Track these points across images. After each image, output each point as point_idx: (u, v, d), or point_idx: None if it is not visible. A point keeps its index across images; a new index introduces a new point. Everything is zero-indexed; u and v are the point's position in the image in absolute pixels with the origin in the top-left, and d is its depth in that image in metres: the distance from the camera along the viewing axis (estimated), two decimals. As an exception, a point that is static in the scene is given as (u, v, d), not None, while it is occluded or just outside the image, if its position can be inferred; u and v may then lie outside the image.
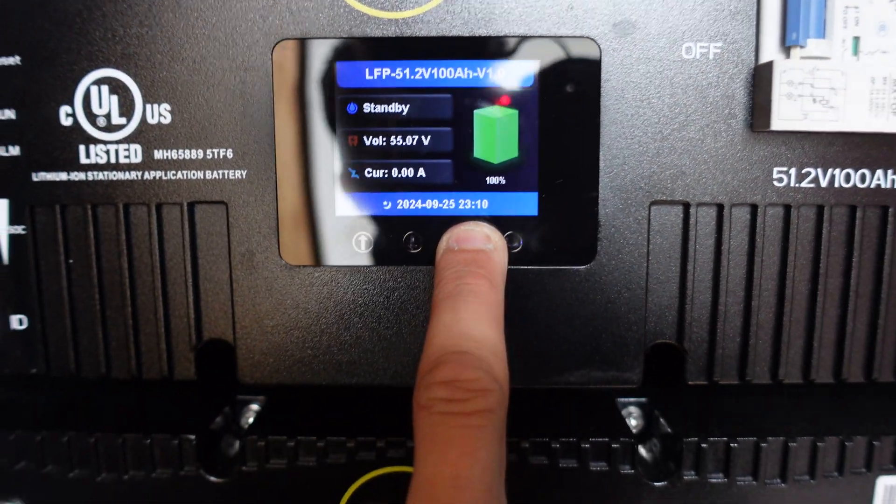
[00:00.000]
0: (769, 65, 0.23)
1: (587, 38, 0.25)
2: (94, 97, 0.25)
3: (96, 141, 0.26)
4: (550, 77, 0.25)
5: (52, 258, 0.26)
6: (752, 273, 0.26)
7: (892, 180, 0.25)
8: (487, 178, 0.25)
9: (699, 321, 0.26)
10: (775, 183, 0.25)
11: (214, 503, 0.27)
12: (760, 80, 0.24)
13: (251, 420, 0.30)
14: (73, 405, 0.29)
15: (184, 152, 0.25)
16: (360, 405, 0.29)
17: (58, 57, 0.25)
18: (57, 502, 0.27)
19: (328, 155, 0.25)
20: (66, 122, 0.25)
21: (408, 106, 0.25)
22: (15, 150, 0.26)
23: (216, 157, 0.25)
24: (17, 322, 0.27)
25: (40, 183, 0.26)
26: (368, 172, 0.25)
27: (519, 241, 0.26)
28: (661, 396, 0.30)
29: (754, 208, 0.25)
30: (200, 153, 0.25)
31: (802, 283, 0.26)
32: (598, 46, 0.25)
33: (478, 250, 0.24)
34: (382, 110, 0.25)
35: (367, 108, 0.25)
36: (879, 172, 0.25)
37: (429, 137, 0.25)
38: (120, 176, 0.26)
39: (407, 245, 0.26)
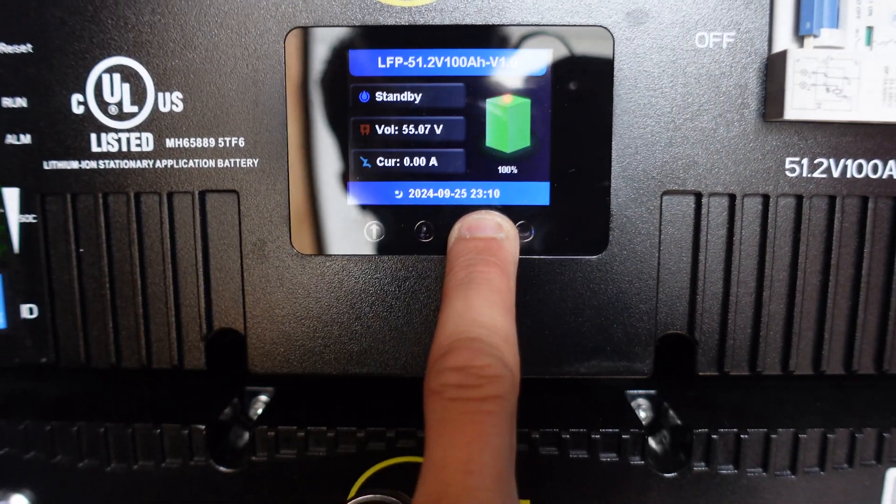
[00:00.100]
0: (783, 54, 0.23)
1: (600, 27, 0.25)
2: (105, 85, 0.25)
3: (108, 129, 0.26)
4: (563, 66, 0.25)
5: (63, 247, 0.26)
6: (763, 263, 0.26)
7: (905, 171, 0.25)
8: (499, 168, 0.25)
9: (710, 312, 0.26)
10: (787, 173, 0.25)
11: (224, 493, 0.27)
12: (774, 69, 0.24)
13: (260, 410, 0.30)
14: (83, 395, 0.29)
15: (195, 141, 0.25)
16: (370, 395, 0.29)
17: (70, 45, 0.25)
18: (66, 492, 0.27)
19: (340, 144, 0.25)
20: (77, 110, 0.25)
21: (420, 95, 0.25)
22: (26, 139, 0.26)
23: (228, 145, 0.25)
24: (28, 311, 0.27)
25: (51, 171, 0.26)
26: (380, 161, 0.25)
27: (531, 230, 0.26)
28: (671, 387, 0.30)
29: (766, 198, 0.25)
30: (212, 141, 0.25)
31: (814, 274, 0.26)
32: (611, 35, 0.25)
33: (489, 238, 0.24)
34: (395, 99, 0.25)
35: (380, 96, 0.25)
36: (892, 163, 0.25)
37: (441, 126, 0.25)
38: (131, 164, 0.26)
39: (418, 234, 0.26)
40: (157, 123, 0.25)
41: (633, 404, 0.30)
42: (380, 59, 0.25)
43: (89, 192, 0.26)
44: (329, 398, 0.29)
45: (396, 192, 0.25)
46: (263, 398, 0.30)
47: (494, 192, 0.25)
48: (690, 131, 0.25)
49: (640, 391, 0.30)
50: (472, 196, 0.25)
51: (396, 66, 0.25)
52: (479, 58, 0.25)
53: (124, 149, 0.26)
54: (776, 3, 0.24)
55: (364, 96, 0.25)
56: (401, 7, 0.25)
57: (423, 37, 0.25)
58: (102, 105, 0.25)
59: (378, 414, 0.27)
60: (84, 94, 0.25)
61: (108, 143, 0.26)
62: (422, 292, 0.26)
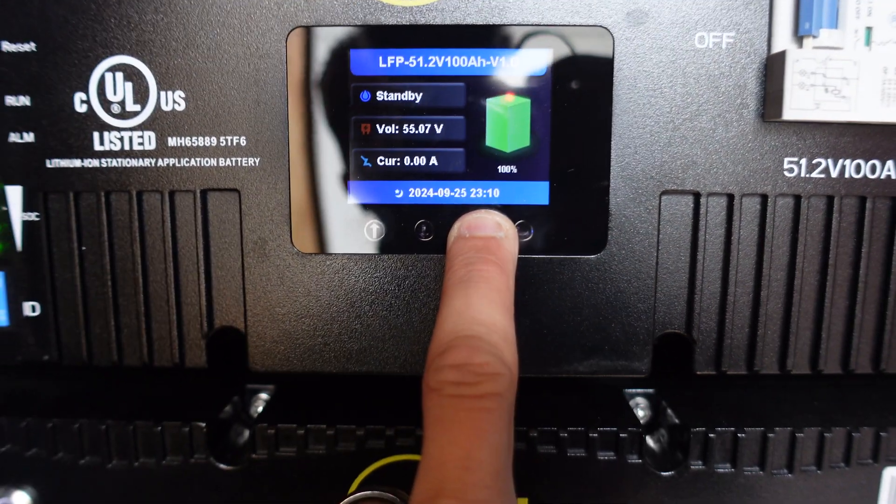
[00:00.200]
0: (782, 54, 0.24)
1: (600, 27, 0.25)
2: (108, 84, 0.25)
3: (110, 128, 0.26)
4: (563, 66, 0.25)
5: (66, 245, 0.26)
6: (761, 263, 0.26)
7: (903, 171, 0.25)
8: (499, 167, 0.25)
9: (708, 311, 0.26)
10: (786, 173, 0.25)
11: (224, 491, 0.27)
12: (773, 69, 0.24)
13: (261, 408, 0.30)
14: (85, 392, 0.29)
15: (197, 139, 0.26)
16: (369, 393, 0.29)
17: (73, 44, 0.25)
18: (68, 489, 0.27)
19: (341, 143, 0.25)
20: (80, 108, 0.26)
21: (421, 94, 0.25)
22: (29, 137, 0.26)
23: (229, 144, 0.25)
24: (30, 309, 0.27)
25: (54, 170, 0.26)
26: (381, 160, 0.25)
27: (530, 229, 0.26)
28: (669, 386, 0.30)
29: (764, 198, 0.26)
30: (214, 140, 0.25)
31: (811, 274, 0.26)
32: (611, 35, 0.25)
33: (489, 237, 0.24)
34: (395, 98, 0.25)
35: (381, 96, 0.25)
36: (890, 163, 0.25)
37: (441, 126, 0.25)
38: (133, 163, 0.26)
39: (418, 233, 0.26)
40: (160, 122, 0.26)
41: (632, 403, 0.30)
42: (381, 58, 0.25)
43: (92, 190, 0.26)
44: (329, 396, 0.29)
45: (397, 192, 0.26)
46: (264, 396, 0.30)
47: (494, 192, 0.25)
48: (689, 131, 0.25)
49: (639, 390, 0.30)
50: (472, 195, 0.25)
51: (397, 65, 0.25)
52: (479, 57, 0.25)
53: (126, 147, 0.26)
54: (775, 4, 0.24)
55: (365, 95, 0.25)
56: (402, 7, 0.25)
57: (423, 36, 0.25)
58: (105, 104, 0.26)
59: (377, 412, 0.27)
60: (87, 92, 0.26)
61: (111, 142, 0.26)
62: (421, 291, 0.26)
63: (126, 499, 0.27)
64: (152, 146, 0.26)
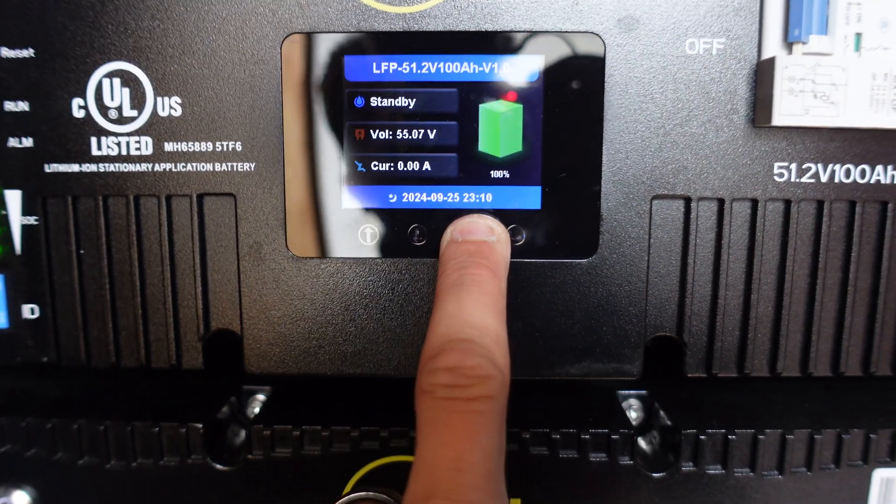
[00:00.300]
0: (771, 60, 0.24)
1: (592, 33, 0.25)
2: (105, 90, 0.26)
3: (108, 133, 0.26)
4: (555, 72, 0.25)
5: (64, 249, 0.27)
6: (751, 267, 0.26)
7: (892, 176, 0.26)
8: (492, 172, 0.25)
9: (699, 314, 0.26)
10: (776, 178, 0.26)
11: (221, 491, 0.27)
12: (762, 75, 0.24)
13: (257, 410, 0.30)
14: (83, 394, 0.30)
15: (193, 145, 0.26)
16: (364, 395, 0.30)
17: (71, 50, 0.26)
18: (67, 489, 0.27)
19: (335, 148, 0.26)
20: (78, 114, 0.26)
21: (414, 100, 0.25)
22: (28, 142, 0.26)
23: (225, 149, 0.26)
24: (29, 311, 0.27)
25: (53, 174, 0.26)
26: (374, 165, 0.26)
27: (522, 234, 0.26)
28: (660, 389, 0.30)
29: (755, 203, 0.26)
30: (210, 146, 0.26)
31: (802, 278, 0.26)
32: (603, 42, 0.25)
33: (481, 241, 0.24)
34: (389, 104, 0.25)
35: (374, 101, 0.25)
36: (879, 168, 0.26)
37: (434, 131, 0.25)
38: (131, 168, 0.26)
39: (412, 238, 0.26)
40: (156, 127, 0.26)
41: (625, 405, 0.30)
42: (375, 64, 0.25)
43: (90, 194, 0.26)
44: (324, 398, 0.30)
45: (390, 196, 0.26)
46: (260, 397, 0.31)
47: (486, 197, 0.26)
48: (680, 136, 0.25)
49: (632, 392, 0.30)
50: (465, 200, 0.26)
51: (391, 71, 0.25)
52: (472, 63, 0.25)
53: (124, 152, 0.26)
54: (766, 10, 0.25)
55: (359, 101, 0.25)
56: (396, 13, 0.25)
57: (417, 43, 0.25)
58: (103, 109, 0.26)
59: (372, 414, 0.28)
60: (85, 98, 0.26)
61: (108, 147, 0.26)
62: (415, 294, 0.26)
63: (124, 499, 0.27)
64: (149, 151, 0.26)
